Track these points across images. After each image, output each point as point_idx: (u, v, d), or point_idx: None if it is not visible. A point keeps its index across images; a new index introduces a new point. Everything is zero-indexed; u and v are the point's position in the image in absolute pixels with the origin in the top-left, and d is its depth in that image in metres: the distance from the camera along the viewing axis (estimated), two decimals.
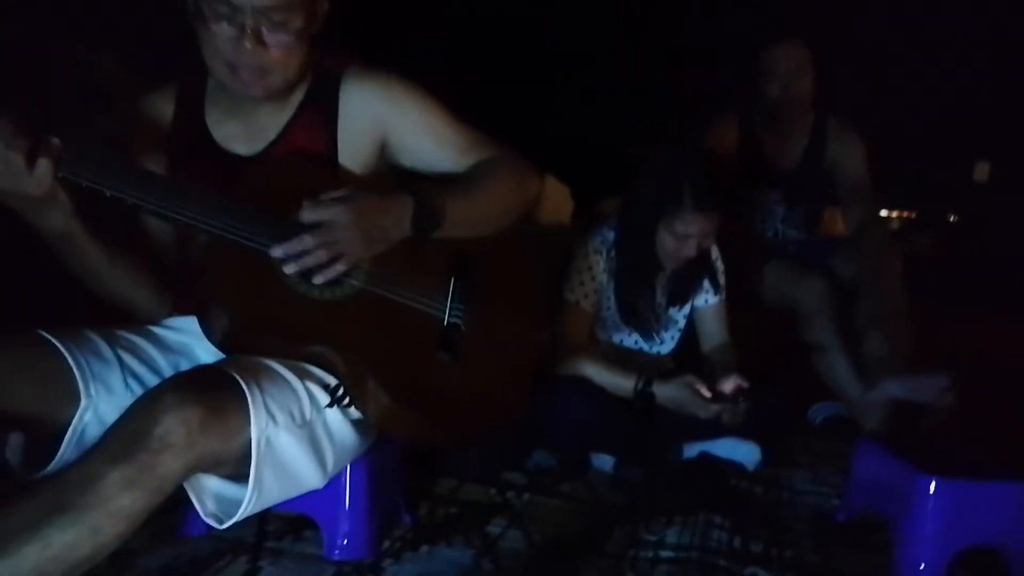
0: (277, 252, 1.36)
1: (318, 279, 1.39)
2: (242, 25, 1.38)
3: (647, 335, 2.39)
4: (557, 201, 3.44)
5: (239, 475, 1.28)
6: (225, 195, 1.39)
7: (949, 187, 8.85)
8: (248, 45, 1.39)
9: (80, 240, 1.39)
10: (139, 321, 1.57)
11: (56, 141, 1.26)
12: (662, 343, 2.46)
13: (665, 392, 2.13)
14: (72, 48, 2.95)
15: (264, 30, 1.40)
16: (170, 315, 1.60)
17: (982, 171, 8.38)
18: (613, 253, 2.31)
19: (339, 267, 1.39)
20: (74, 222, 1.36)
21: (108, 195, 1.30)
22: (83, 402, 1.37)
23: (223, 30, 1.39)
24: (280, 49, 1.43)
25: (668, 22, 7.14)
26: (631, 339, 2.43)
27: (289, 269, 1.37)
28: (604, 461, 2.21)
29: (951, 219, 9.33)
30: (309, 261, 1.36)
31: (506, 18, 6.63)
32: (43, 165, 1.25)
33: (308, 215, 1.36)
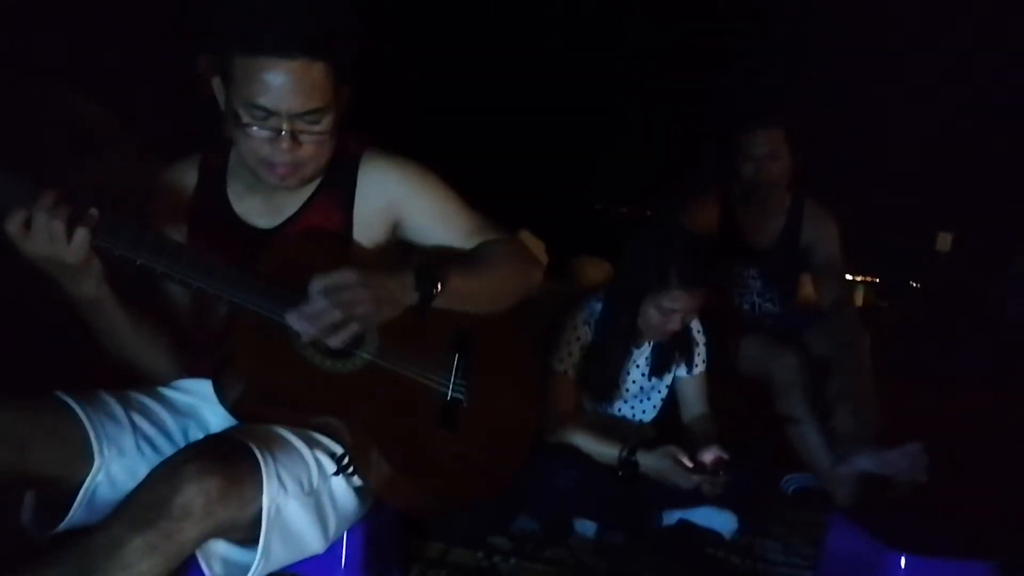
0: (292, 317, 1.41)
1: (334, 342, 1.43)
2: (278, 128, 1.46)
3: (608, 403, 2.47)
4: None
5: (247, 539, 1.33)
6: (245, 269, 1.46)
7: (912, 256, 9.08)
8: (284, 146, 1.47)
9: (108, 305, 1.45)
10: (153, 382, 1.62)
11: (94, 212, 1.32)
12: (647, 412, 2.54)
13: (648, 461, 2.20)
14: (61, 95, 2.99)
15: (300, 131, 1.48)
16: (180, 376, 1.65)
17: (944, 241, 8.61)
18: (600, 324, 2.39)
19: (353, 328, 1.44)
20: (104, 288, 1.42)
21: (138, 263, 1.36)
22: (96, 463, 1.41)
23: (260, 133, 1.47)
24: (313, 146, 1.51)
25: (647, 85, 7.31)
26: (615, 408, 2.50)
27: (304, 331, 1.41)
28: (586, 527, 2.26)
29: (914, 286, 9.55)
30: (324, 321, 1.41)
31: (484, 75, 6.74)
32: (80, 234, 1.31)
33: (317, 283, 1.41)
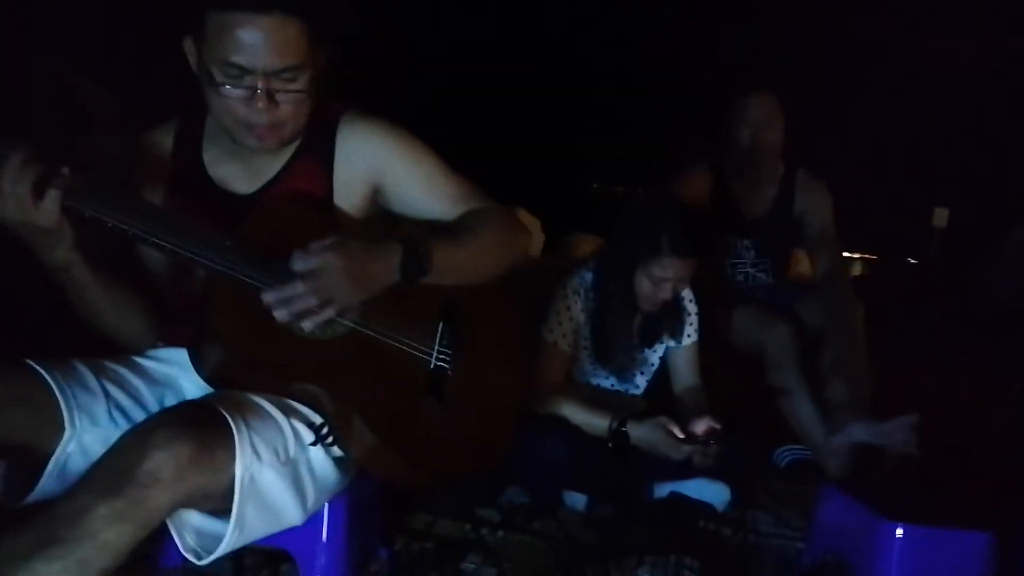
0: (268, 297, 1.37)
1: (307, 325, 1.40)
2: (254, 87, 1.42)
3: (621, 376, 2.43)
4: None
5: (221, 510, 1.29)
6: (223, 232, 1.42)
7: (909, 232, 9.05)
8: (260, 105, 1.43)
9: (80, 271, 1.41)
10: (127, 351, 1.58)
11: (66, 171, 1.28)
12: (636, 384, 2.51)
13: (639, 432, 2.18)
14: (53, 69, 2.95)
15: (276, 89, 1.44)
16: (156, 345, 1.61)
17: (941, 217, 8.58)
18: (591, 295, 2.37)
19: (328, 312, 1.40)
20: (75, 253, 1.38)
21: (110, 225, 1.32)
22: (67, 432, 1.38)
23: (234, 91, 1.43)
24: (291, 105, 1.47)
25: (642, 64, 7.26)
26: (606, 380, 2.47)
27: (279, 315, 1.38)
28: (576, 499, 2.24)
29: (910, 262, 9.54)
30: (299, 306, 1.38)
31: (483, 55, 6.70)
32: (51, 196, 1.27)
33: (299, 264, 1.38)
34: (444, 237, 1.57)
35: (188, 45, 1.49)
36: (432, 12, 6.39)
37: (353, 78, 1.63)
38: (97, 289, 1.46)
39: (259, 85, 1.42)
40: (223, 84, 1.43)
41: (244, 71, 1.41)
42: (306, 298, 1.37)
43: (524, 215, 3.83)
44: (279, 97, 1.45)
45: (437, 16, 6.43)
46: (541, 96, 7.20)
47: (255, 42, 1.39)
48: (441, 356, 1.63)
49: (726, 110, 2.85)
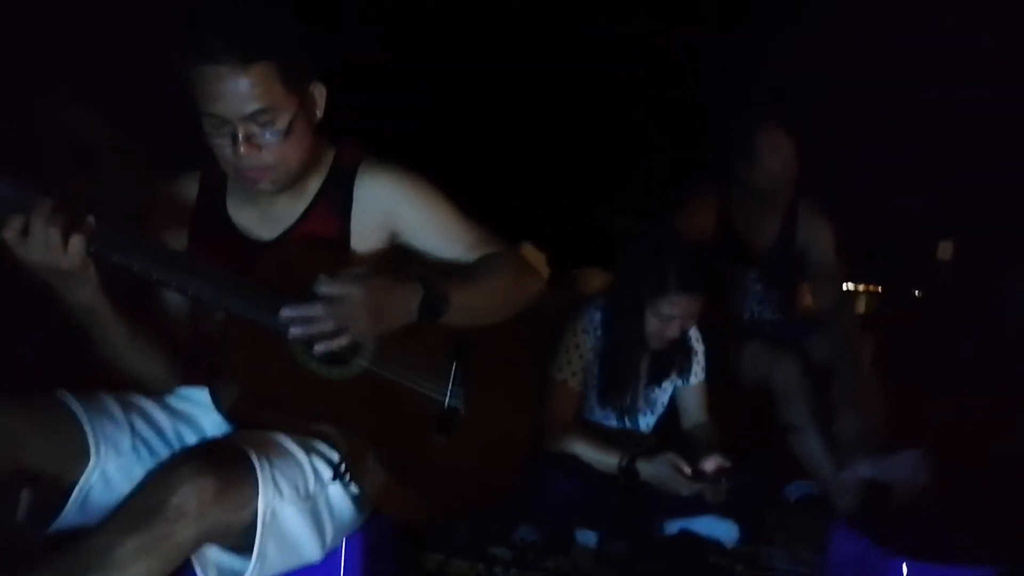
0: (287, 312, 1.41)
1: (319, 348, 1.43)
2: (233, 134, 1.46)
3: (630, 414, 2.45)
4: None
5: (242, 546, 1.32)
6: (242, 276, 1.46)
7: (914, 264, 9.06)
8: (242, 151, 1.47)
9: (104, 312, 1.44)
10: (148, 393, 1.62)
11: (91, 219, 1.32)
12: (646, 421, 2.53)
13: (648, 470, 2.19)
14: (59, 107, 3.00)
15: (255, 133, 1.47)
16: (177, 386, 1.65)
17: (946, 250, 8.60)
18: (600, 332, 2.39)
19: (341, 340, 1.44)
20: (100, 296, 1.42)
21: (134, 270, 1.36)
22: (92, 462, 1.42)
23: (219, 140, 1.48)
24: (275, 147, 1.49)
25: (647, 96, 7.32)
26: (615, 419, 2.49)
27: (294, 331, 1.42)
28: (588, 536, 2.25)
29: (916, 294, 9.54)
30: (314, 328, 1.41)
31: (487, 88, 6.76)
32: (76, 241, 1.30)
33: (323, 288, 1.42)
34: (461, 280, 1.61)
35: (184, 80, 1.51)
36: (435, 45, 6.47)
37: (352, 116, 1.67)
38: (119, 331, 1.49)
39: (238, 132, 1.45)
40: (210, 135, 1.48)
41: (221, 120, 1.45)
42: (324, 321, 1.41)
43: (529, 249, 3.86)
44: (259, 140, 1.48)
45: (440, 49, 6.51)
46: (546, 129, 7.25)
47: (222, 91, 1.42)
48: (454, 396, 1.67)
49: (737, 143, 2.84)
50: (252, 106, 1.44)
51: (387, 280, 1.49)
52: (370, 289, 1.45)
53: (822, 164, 3.00)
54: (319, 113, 1.59)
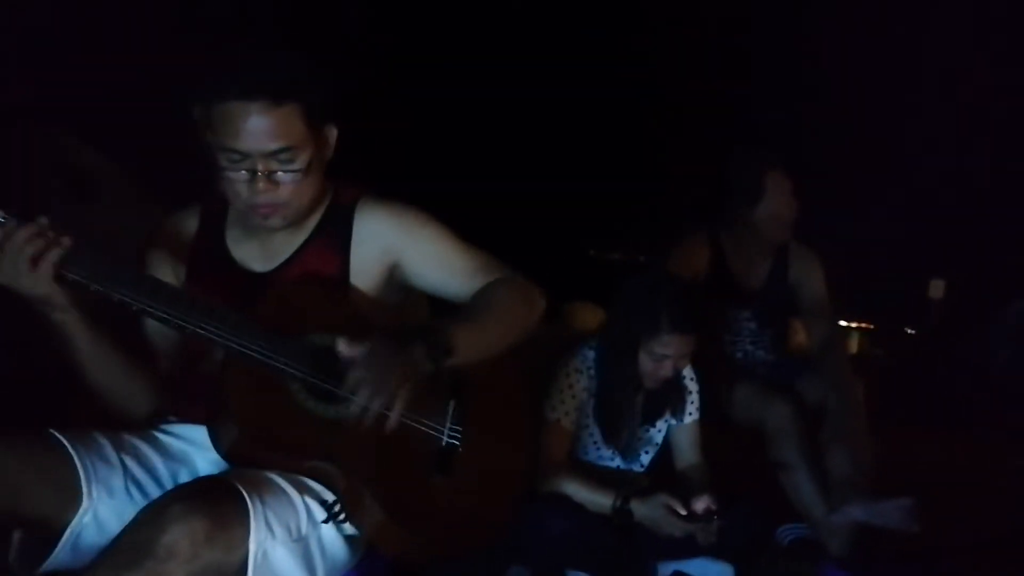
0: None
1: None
2: (253, 169, 1.50)
3: (625, 454, 2.46)
4: None
5: None
6: (241, 312, 1.47)
7: (905, 303, 9.09)
8: (261, 186, 1.51)
9: (74, 329, 1.45)
10: (126, 420, 1.62)
11: (67, 242, 1.34)
12: (639, 463, 2.53)
13: (642, 511, 2.19)
14: (55, 135, 3.02)
15: (274, 170, 1.51)
16: (164, 419, 1.66)
17: (937, 288, 8.64)
18: (593, 372, 2.40)
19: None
20: (69, 314, 1.43)
21: (116, 300, 1.38)
22: (84, 504, 1.42)
23: (236, 175, 1.51)
24: (291, 184, 1.54)
25: (638, 128, 7.37)
26: (609, 458, 2.49)
27: (373, 408, 1.39)
28: None
29: (908, 332, 9.57)
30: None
31: (478, 119, 6.80)
32: (44, 269, 1.33)
33: (356, 350, 1.41)
34: (464, 319, 1.61)
35: (209, 137, 1.55)
36: (431, 79, 6.52)
37: (349, 150, 1.70)
38: (94, 353, 1.49)
39: (258, 168, 1.49)
40: (227, 169, 1.51)
41: (242, 155, 1.49)
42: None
43: None
44: (278, 177, 1.52)
45: (436, 82, 6.56)
46: (536, 161, 7.28)
47: (250, 128, 1.47)
48: (452, 434, 1.67)
49: (743, 183, 2.85)
50: (276, 144, 1.49)
51: (390, 340, 1.47)
52: (387, 346, 1.44)
53: (815, 202, 3.01)
54: (330, 153, 1.64)
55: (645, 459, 2.54)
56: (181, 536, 1.19)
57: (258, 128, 1.47)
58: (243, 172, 1.50)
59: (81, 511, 1.41)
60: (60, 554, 1.40)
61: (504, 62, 6.86)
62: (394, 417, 1.42)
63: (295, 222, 1.62)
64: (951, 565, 2.12)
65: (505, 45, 6.86)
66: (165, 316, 1.41)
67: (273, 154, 1.50)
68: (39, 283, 1.35)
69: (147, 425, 1.65)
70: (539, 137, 7.18)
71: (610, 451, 2.47)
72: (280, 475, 1.45)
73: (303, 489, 1.46)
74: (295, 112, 1.50)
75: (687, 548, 2.22)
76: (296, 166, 1.53)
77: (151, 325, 1.63)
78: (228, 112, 1.46)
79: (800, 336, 3.25)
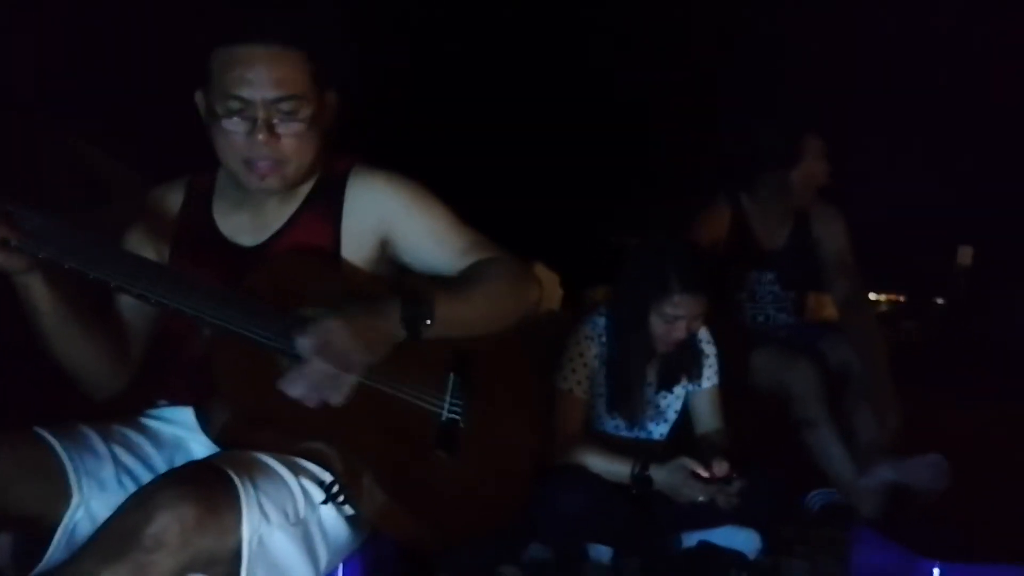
0: (291, 390, 1.36)
1: (335, 399, 1.39)
2: (254, 118, 1.45)
3: (638, 422, 2.39)
4: (547, 288, 3.47)
5: (232, 574, 1.25)
6: (228, 287, 1.42)
7: (933, 271, 8.98)
8: (261, 137, 1.46)
9: (36, 293, 1.40)
10: (91, 393, 1.58)
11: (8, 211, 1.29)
12: (658, 429, 2.46)
13: (661, 475, 2.13)
14: (63, 138, 3.01)
15: (275, 121, 1.47)
16: (118, 390, 1.61)
17: (965, 255, 8.51)
18: (604, 339, 2.34)
19: (350, 379, 1.39)
20: (31, 277, 1.38)
21: (91, 277, 1.32)
22: (75, 499, 1.37)
23: (236, 125, 1.46)
24: (292, 139, 1.49)
25: (659, 115, 7.33)
26: (626, 428, 2.42)
27: (309, 401, 1.37)
28: (601, 552, 2.19)
29: (938, 302, 9.44)
30: (324, 385, 1.37)
31: (498, 110, 6.80)
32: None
33: (306, 343, 1.36)
34: (447, 290, 1.55)
35: (199, 98, 1.53)
36: (445, 66, 6.52)
37: (360, 126, 1.65)
38: (57, 318, 1.44)
39: (259, 115, 1.45)
40: (223, 118, 1.46)
41: (244, 102, 1.45)
42: (327, 373, 1.36)
43: (541, 269, 3.83)
44: (279, 129, 1.47)
45: (450, 69, 6.56)
46: (558, 148, 7.27)
47: (255, 72, 1.44)
48: (452, 408, 1.60)
49: (771, 147, 2.83)
50: (280, 91, 1.45)
51: (362, 304, 1.44)
52: (349, 318, 1.39)
53: (841, 172, 2.97)
54: (330, 122, 1.59)
55: (664, 428, 2.47)
56: (169, 524, 1.13)
57: (263, 74, 1.44)
58: (242, 121, 1.46)
59: (72, 507, 1.37)
60: (55, 552, 1.35)
61: (525, 46, 6.86)
62: (347, 385, 1.39)
63: (290, 186, 1.57)
64: (990, 521, 2.03)
65: (527, 29, 6.85)
66: (144, 294, 1.35)
67: (276, 102, 1.46)
68: None
69: (135, 411, 1.61)
70: (560, 124, 7.16)
71: (625, 421, 2.40)
72: (273, 457, 1.39)
73: (299, 471, 1.40)
74: (302, 61, 1.48)
75: (711, 517, 2.16)
76: (298, 118, 1.48)
77: (129, 303, 1.57)
78: (233, 56, 1.44)
79: (827, 310, 3.19)
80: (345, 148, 1.68)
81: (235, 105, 1.45)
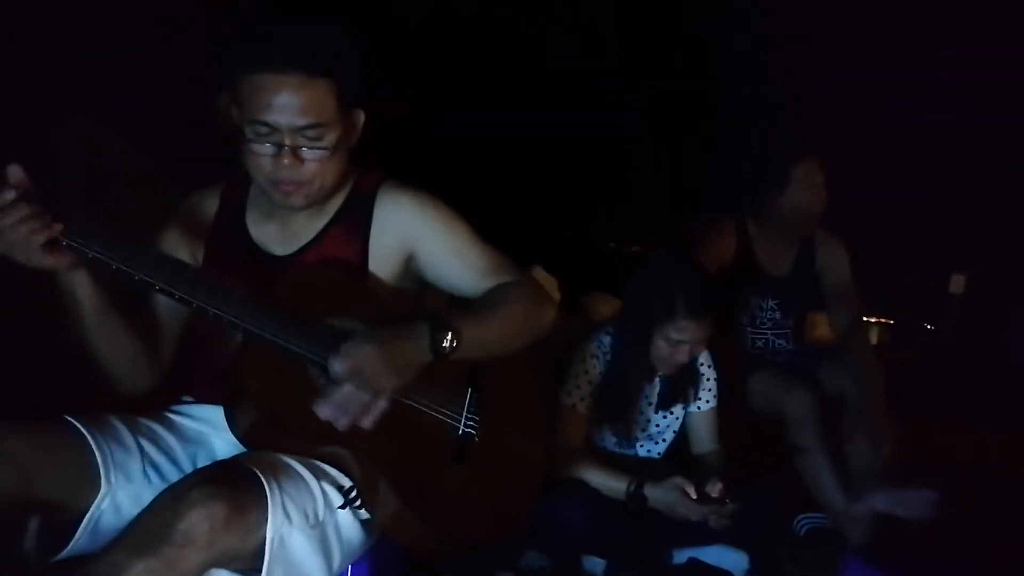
0: (323, 412, 1.39)
1: (367, 423, 1.42)
2: (280, 144, 1.49)
3: (638, 440, 2.44)
4: None
5: (249, 569, 1.31)
6: (260, 296, 1.46)
7: (926, 298, 9.03)
8: (286, 162, 1.50)
9: (78, 287, 1.44)
10: (120, 390, 1.61)
11: (57, 228, 1.32)
12: (656, 448, 2.51)
13: (656, 494, 2.17)
14: (79, 125, 3.03)
15: (301, 147, 1.50)
16: (149, 386, 1.64)
17: (958, 283, 8.57)
18: (609, 357, 2.38)
19: (381, 404, 1.43)
20: (75, 274, 1.41)
21: (137, 279, 1.36)
22: (103, 489, 1.42)
23: (263, 149, 1.50)
24: (316, 163, 1.53)
25: (659, 122, 7.34)
26: (627, 445, 2.47)
27: (340, 424, 1.40)
28: (596, 564, 2.23)
29: (929, 328, 9.51)
30: (354, 408, 1.40)
31: (498, 112, 6.79)
32: (32, 248, 1.31)
33: (338, 368, 1.40)
34: (471, 315, 1.59)
35: (224, 102, 1.56)
36: (454, 71, 6.51)
37: (369, 141, 1.69)
38: (97, 313, 1.48)
39: (285, 142, 1.49)
40: (253, 141, 1.50)
41: (271, 128, 1.48)
42: (358, 396, 1.40)
43: (540, 273, 3.85)
44: (304, 154, 1.51)
45: (458, 74, 6.55)
46: (557, 154, 7.27)
47: (281, 102, 1.47)
48: (469, 422, 1.66)
49: (776, 173, 2.80)
50: (305, 120, 1.48)
51: (392, 329, 1.48)
52: (380, 343, 1.43)
53: (839, 197, 2.98)
54: (356, 137, 1.63)
55: (662, 447, 2.52)
56: (199, 522, 1.19)
57: (289, 102, 1.47)
58: (269, 146, 1.50)
59: (100, 497, 1.41)
60: (80, 541, 1.40)
61: (525, 50, 6.85)
62: (378, 410, 1.42)
63: (316, 203, 1.61)
64: (973, 552, 2.08)
65: (527, 33, 6.84)
66: (185, 298, 1.39)
67: (301, 129, 1.49)
68: (32, 259, 1.32)
69: (160, 407, 1.65)
70: (560, 130, 7.17)
71: (625, 438, 2.44)
72: (297, 460, 1.44)
73: (320, 474, 1.45)
74: (328, 89, 1.50)
75: (703, 535, 2.21)
76: (323, 144, 1.52)
77: (165, 304, 1.62)
78: (261, 84, 1.46)
79: (820, 329, 3.22)
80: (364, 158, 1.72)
81: (263, 130, 1.48)
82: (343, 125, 1.55)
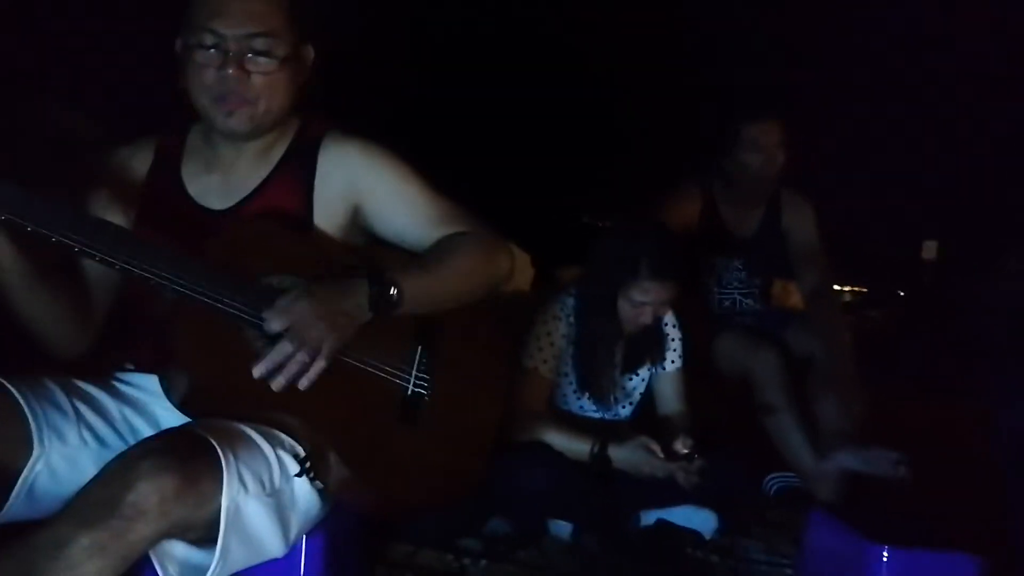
0: (260, 371, 1.35)
1: (303, 383, 1.38)
2: (226, 52, 1.45)
3: (604, 403, 2.41)
4: (519, 268, 3.47)
5: (204, 539, 1.26)
6: (191, 253, 1.39)
7: (898, 265, 9.11)
8: (231, 71, 1.45)
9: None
10: (53, 354, 1.55)
11: None
12: (622, 409, 2.48)
13: (620, 454, 2.15)
14: (40, 100, 2.94)
15: (247, 57, 1.46)
16: (79, 351, 1.58)
17: (930, 250, 8.64)
18: (572, 319, 2.35)
19: (320, 364, 1.38)
20: None
21: (53, 240, 1.29)
22: (35, 452, 1.36)
23: (207, 58, 1.46)
24: (263, 76, 1.48)
25: (630, 96, 7.33)
26: (591, 408, 2.44)
27: (276, 384, 1.36)
28: (561, 528, 2.20)
29: (901, 295, 9.59)
30: (293, 369, 1.36)
31: (473, 86, 6.76)
32: None
33: (275, 324, 1.36)
34: (416, 268, 1.54)
35: (179, 47, 1.51)
36: (431, 43, 6.47)
37: (336, 100, 1.63)
38: (19, 274, 1.41)
39: (231, 48, 1.45)
40: (195, 50, 1.46)
41: (218, 36, 1.45)
42: (297, 356, 1.36)
43: (513, 249, 3.82)
44: (250, 66, 1.47)
45: (436, 47, 6.50)
46: (530, 129, 7.25)
47: (230, 7, 1.45)
48: (419, 382, 1.60)
49: (728, 134, 2.82)
50: (255, 27, 1.46)
51: (330, 285, 1.43)
52: (319, 300, 1.39)
53: (809, 164, 2.98)
54: (305, 76, 1.58)
55: (628, 409, 2.49)
56: (150, 493, 1.13)
57: (238, 8, 1.45)
58: (214, 52, 1.45)
59: (32, 459, 1.35)
60: (14, 505, 1.34)
61: (501, 26, 6.82)
62: (316, 369, 1.38)
63: (258, 130, 1.55)
64: (940, 510, 2.08)
65: (500, 13, 6.80)
66: (107, 259, 1.32)
67: (249, 37, 1.46)
68: None
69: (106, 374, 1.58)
70: (533, 105, 7.14)
71: (589, 400, 2.42)
72: (252, 427, 1.37)
73: (275, 442, 1.38)
74: (280, 2, 1.49)
75: (670, 497, 2.18)
76: (272, 57, 1.48)
77: (92, 265, 1.54)
78: None
79: (795, 298, 3.22)
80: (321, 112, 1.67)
81: (208, 39, 1.45)
82: (292, 47, 1.51)
